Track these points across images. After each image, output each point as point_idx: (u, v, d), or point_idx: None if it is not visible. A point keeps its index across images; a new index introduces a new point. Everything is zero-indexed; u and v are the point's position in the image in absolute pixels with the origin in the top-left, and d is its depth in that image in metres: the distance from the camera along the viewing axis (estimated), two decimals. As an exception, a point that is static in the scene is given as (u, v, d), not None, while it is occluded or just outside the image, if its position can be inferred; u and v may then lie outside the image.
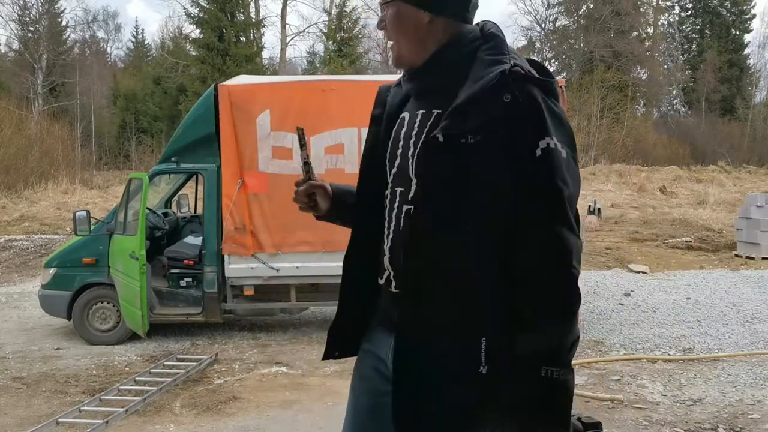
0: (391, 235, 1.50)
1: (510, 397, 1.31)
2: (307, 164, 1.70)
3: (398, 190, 1.48)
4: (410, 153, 1.46)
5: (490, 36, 1.43)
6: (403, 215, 1.46)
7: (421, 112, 1.47)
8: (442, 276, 1.35)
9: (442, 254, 1.34)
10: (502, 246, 1.32)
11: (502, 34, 1.45)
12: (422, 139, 1.40)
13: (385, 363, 1.51)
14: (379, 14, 1.54)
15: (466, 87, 1.35)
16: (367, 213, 1.57)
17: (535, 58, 1.49)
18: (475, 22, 1.51)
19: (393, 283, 1.48)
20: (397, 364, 1.38)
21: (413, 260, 1.38)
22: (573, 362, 1.38)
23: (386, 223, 1.52)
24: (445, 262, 1.34)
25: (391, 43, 1.52)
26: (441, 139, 1.32)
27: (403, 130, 1.50)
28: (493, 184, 1.31)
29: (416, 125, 1.47)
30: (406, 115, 1.52)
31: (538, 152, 1.29)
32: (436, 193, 1.35)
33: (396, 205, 1.48)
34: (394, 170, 1.51)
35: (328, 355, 1.65)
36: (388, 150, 1.54)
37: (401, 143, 1.50)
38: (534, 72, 1.36)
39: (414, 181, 1.43)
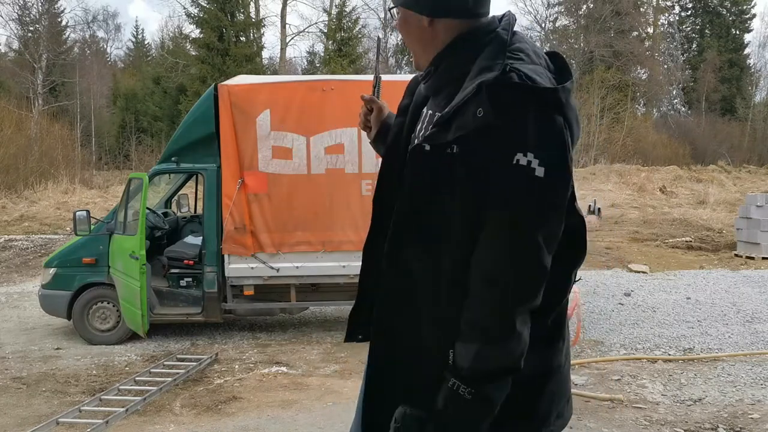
0: None
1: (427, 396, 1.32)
2: (378, 79, 1.72)
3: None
4: None
5: (494, 37, 1.38)
6: None
7: (430, 112, 1.49)
8: (416, 284, 1.35)
9: (417, 262, 1.35)
10: (467, 258, 1.29)
11: (508, 33, 1.39)
12: (409, 148, 1.41)
13: None
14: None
15: (458, 95, 1.34)
16: (387, 202, 1.53)
17: (558, 52, 1.44)
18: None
19: None
20: (370, 365, 1.39)
21: (391, 267, 1.39)
22: (573, 362, 1.38)
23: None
24: (419, 270, 1.35)
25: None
26: (427, 148, 1.32)
27: (419, 127, 1.52)
28: (467, 196, 1.28)
29: (425, 126, 1.48)
30: (425, 112, 1.53)
31: (509, 170, 1.22)
32: (416, 200, 1.35)
33: None
34: None
35: (350, 338, 1.63)
36: (411, 145, 1.54)
37: (418, 140, 1.50)
38: (537, 77, 1.27)
39: None
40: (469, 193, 1.27)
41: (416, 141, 1.47)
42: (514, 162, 1.22)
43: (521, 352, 1.27)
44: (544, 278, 1.27)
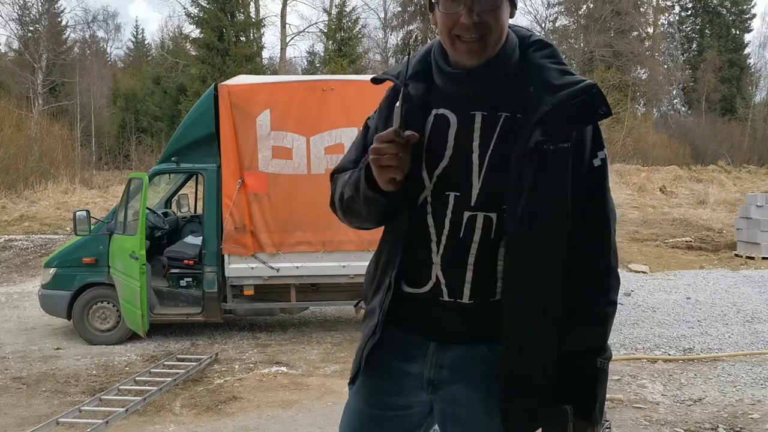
0: (443, 242, 1.42)
1: (573, 389, 1.41)
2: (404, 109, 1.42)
3: (452, 194, 1.40)
4: (475, 156, 1.39)
5: (541, 42, 1.45)
6: (464, 222, 1.39)
7: (480, 113, 1.40)
8: (535, 285, 1.38)
9: (534, 263, 1.37)
10: (567, 251, 1.40)
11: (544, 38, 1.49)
12: (527, 149, 1.32)
13: (413, 375, 1.49)
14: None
15: (544, 92, 1.34)
16: (404, 219, 1.46)
17: None
18: None
19: (445, 292, 1.43)
20: (506, 372, 1.40)
21: (512, 273, 1.37)
22: None
23: (433, 229, 1.43)
24: (535, 271, 1.37)
25: (472, 37, 1.35)
26: (532, 146, 1.32)
27: (452, 131, 1.42)
28: (567, 191, 1.36)
29: (477, 127, 1.40)
30: (448, 114, 1.43)
31: (597, 162, 1.39)
32: (540, 200, 1.33)
33: (450, 210, 1.41)
34: (437, 172, 1.42)
35: (354, 379, 1.57)
36: (424, 150, 1.44)
37: (450, 144, 1.42)
38: None
39: (477, 185, 1.38)
40: (566, 187, 1.36)
41: (473, 140, 1.40)
42: (603, 156, 1.41)
43: None
44: None
